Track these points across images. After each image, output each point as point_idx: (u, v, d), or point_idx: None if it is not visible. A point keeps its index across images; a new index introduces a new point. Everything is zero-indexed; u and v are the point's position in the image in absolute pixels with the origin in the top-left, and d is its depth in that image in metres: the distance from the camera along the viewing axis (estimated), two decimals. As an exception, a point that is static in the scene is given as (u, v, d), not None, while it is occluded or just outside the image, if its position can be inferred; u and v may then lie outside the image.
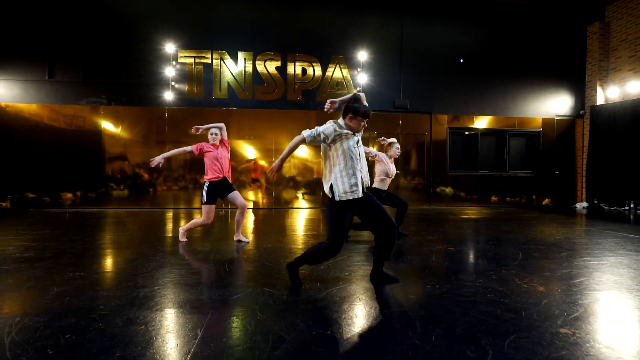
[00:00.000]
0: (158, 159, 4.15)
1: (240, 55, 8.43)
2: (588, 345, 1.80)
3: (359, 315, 2.19)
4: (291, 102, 8.63)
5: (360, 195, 2.60)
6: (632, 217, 7.19)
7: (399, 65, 8.93)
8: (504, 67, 9.33)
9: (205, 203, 4.21)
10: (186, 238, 4.49)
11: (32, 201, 7.88)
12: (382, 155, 4.82)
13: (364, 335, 1.92)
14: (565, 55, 9.54)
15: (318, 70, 8.70)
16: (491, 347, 1.77)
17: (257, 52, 8.49)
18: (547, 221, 6.53)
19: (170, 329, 1.95)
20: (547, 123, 9.60)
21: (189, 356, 1.65)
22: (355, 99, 2.76)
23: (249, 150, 8.57)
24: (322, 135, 2.65)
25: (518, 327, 2.02)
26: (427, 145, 9.15)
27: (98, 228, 5.52)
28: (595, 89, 9.35)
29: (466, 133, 9.35)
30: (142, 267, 3.23)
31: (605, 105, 9.12)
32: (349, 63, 8.76)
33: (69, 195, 8.07)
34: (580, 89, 9.65)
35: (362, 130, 2.79)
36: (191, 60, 8.27)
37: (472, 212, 7.98)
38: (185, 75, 8.25)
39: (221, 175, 4.31)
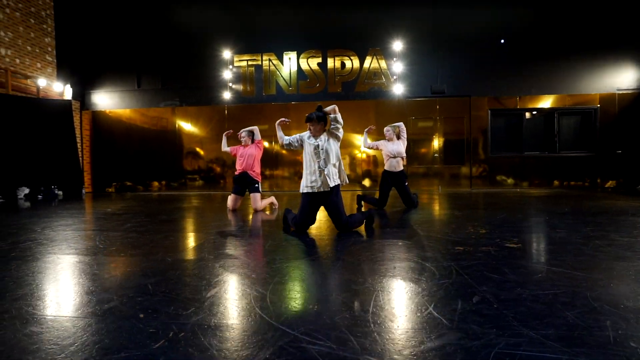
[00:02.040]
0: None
1: (286, 55, 9.50)
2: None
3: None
4: (331, 94, 9.45)
5: (319, 190, 3.27)
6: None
7: (435, 51, 9.17)
8: (552, 43, 8.95)
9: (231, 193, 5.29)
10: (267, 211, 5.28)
11: (129, 188, 9.96)
12: (378, 142, 5.29)
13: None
14: (627, 22, 8.78)
15: (356, 63, 9.38)
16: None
17: (300, 51, 9.48)
18: (596, 201, 6.40)
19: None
20: (606, 99, 8.95)
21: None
22: (317, 109, 3.46)
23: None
24: (295, 142, 3.48)
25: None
26: (466, 128, 9.24)
27: (172, 204, 7.03)
28: (665, 58, 8.46)
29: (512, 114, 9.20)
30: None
31: (675, 75, 8.22)
32: (385, 53, 9.27)
33: (156, 183, 9.99)
34: (647, 59, 8.80)
35: (323, 134, 3.41)
36: (244, 63, 9.58)
37: (520, 194, 7.98)
38: (240, 77, 9.60)
39: (241, 170, 5.27)
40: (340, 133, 3.37)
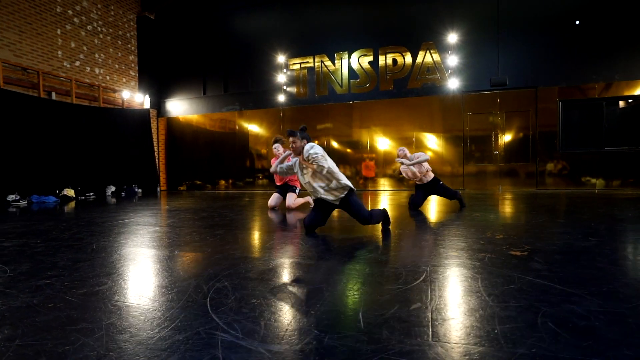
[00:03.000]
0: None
1: (337, 55, 9.64)
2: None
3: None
4: (383, 92, 9.35)
5: (315, 198, 3.43)
6: None
7: (496, 38, 8.53)
8: (636, 21, 7.73)
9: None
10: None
11: (199, 186, 11.01)
12: (405, 161, 5.06)
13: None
14: None
15: (408, 59, 9.14)
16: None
17: (351, 50, 9.53)
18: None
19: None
20: None
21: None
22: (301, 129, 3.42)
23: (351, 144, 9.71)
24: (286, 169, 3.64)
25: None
26: (532, 122, 8.45)
27: (232, 199, 7.66)
28: None
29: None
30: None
31: None
32: (439, 47, 8.88)
33: (223, 182, 10.88)
34: None
35: (299, 154, 3.32)
36: (298, 66, 9.94)
37: (593, 194, 7.15)
38: (294, 79, 9.99)
39: (280, 183, 5.62)
40: (318, 166, 3.18)
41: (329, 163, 3.27)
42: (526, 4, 8.36)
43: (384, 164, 9.47)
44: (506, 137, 8.66)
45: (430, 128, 9.07)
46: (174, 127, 11.24)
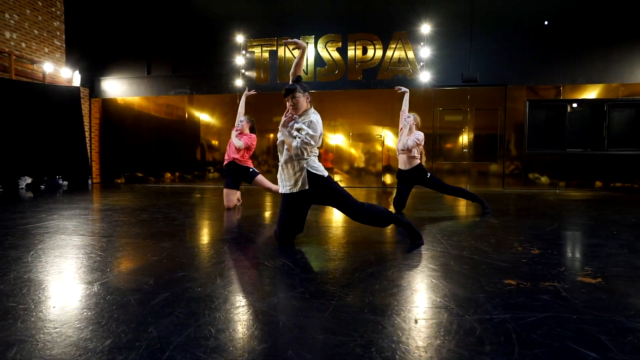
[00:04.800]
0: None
1: (303, 40, 8.80)
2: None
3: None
4: (352, 82, 8.70)
5: (292, 190, 2.58)
6: None
7: (469, 34, 8.24)
8: (604, 25, 7.84)
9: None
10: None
11: (140, 179, 9.59)
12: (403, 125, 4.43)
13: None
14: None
15: (379, 48, 8.57)
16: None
17: (318, 35, 8.75)
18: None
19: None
20: (667, 90, 7.79)
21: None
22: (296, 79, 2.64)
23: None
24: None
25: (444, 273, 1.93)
26: (500, 121, 8.30)
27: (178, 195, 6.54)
28: None
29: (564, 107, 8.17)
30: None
31: None
32: (412, 37, 8.41)
33: (169, 174, 9.56)
34: None
35: (290, 114, 2.55)
36: (259, 49, 8.95)
37: (561, 195, 7.06)
38: (254, 63, 8.98)
39: (226, 160, 4.67)
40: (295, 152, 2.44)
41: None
42: (499, 2, 8.15)
43: (345, 158, 8.85)
44: (475, 135, 8.44)
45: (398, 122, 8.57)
46: (110, 110, 9.68)
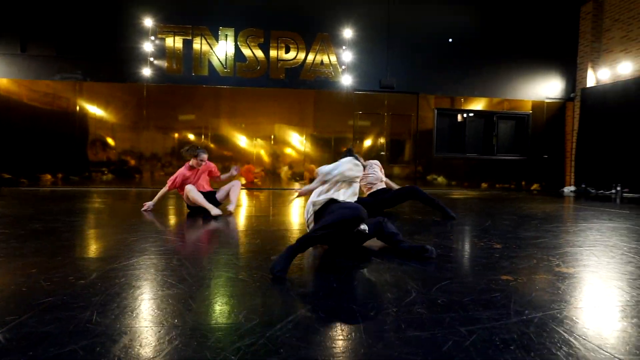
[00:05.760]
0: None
1: (222, 31, 8.20)
2: (526, 289, 1.64)
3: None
4: (274, 80, 8.41)
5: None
6: (618, 199, 7.03)
7: (386, 43, 8.70)
8: (494, 48, 9.10)
9: None
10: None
11: (9, 182, 7.69)
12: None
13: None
14: (557, 37, 9.31)
15: (302, 48, 8.47)
16: (416, 290, 1.61)
17: (239, 28, 8.25)
18: (529, 201, 6.38)
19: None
20: (537, 106, 9.40)
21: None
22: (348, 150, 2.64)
23: (235, 137, 8.37)
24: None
25: (455, 274, 1.86)
26: (413, 126, 8.95)
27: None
28: (586, 71, 9.14)
29: (460, 116, 9.14)
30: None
31: (596, 87, 8.92)
32: (334, 41, 8.53)
33: (49, 176, 7.88)
34: (571, 71, 9.44)
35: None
36: (171, 36, 8.04)
37: (459, 195, 7.82)
38: (165, 52, 8.03)
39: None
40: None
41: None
42: (413, 15, 8.79)
43: (263, 158, 8.54)
44: (391, 139, 8.93)
45: (323, 124, 8.61)
46: (-35, 94, 7.58)
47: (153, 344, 1.09)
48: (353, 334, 1.17)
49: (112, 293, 1.52)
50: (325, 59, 8.54)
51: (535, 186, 9.51)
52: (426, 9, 8.85)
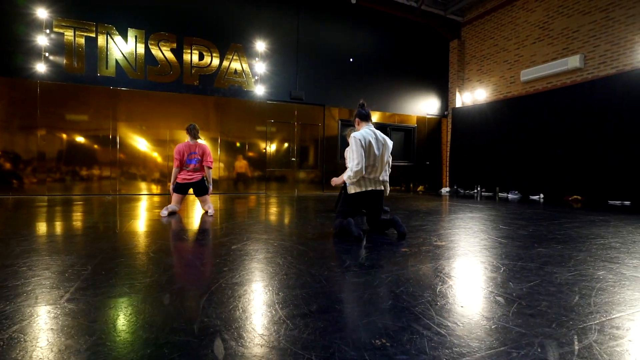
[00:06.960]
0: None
1: (131, 32, 7.93)
2: (416, 255, 2.45)
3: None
4: (188, 86, 8.45)
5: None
6: (478, 197, 8.97)
7: (295, 58, 9.47)
8: (387, 69, 10.63)
9: None
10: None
11: None
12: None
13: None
14: (435, 64, 11.32)
15: (216, 57, 8.69)
16: (350, 260, 2.29)
17: (149, 31, 8.09)
18: (416, 200, 7.77)
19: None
20: (421, 120, 11.26)
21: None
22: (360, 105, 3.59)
23: (139, 142, 8.11)
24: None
25: (373, 249, 2.60)
26: (320, 135, 9.90)
27: (-54, 211, 4.71)
28: (455, 94, 11.32)
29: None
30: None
31: (461, 107, 11.12)
32: (247, 52, 8.96)
33: None
34: (445, 93, 11.57)
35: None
36: (70, 31, 7.47)
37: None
38: (63, 47, 7.43)
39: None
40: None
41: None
42: (319, 35, 9.74)
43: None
44: (301, 146, 9.72)
45: (235, 131, 8.92)
46: None
47: None
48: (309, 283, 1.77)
49: None
50: (239, 68, 8.90)
51: (420, 188, 11.34)
52: (331, 29, 9.90)
